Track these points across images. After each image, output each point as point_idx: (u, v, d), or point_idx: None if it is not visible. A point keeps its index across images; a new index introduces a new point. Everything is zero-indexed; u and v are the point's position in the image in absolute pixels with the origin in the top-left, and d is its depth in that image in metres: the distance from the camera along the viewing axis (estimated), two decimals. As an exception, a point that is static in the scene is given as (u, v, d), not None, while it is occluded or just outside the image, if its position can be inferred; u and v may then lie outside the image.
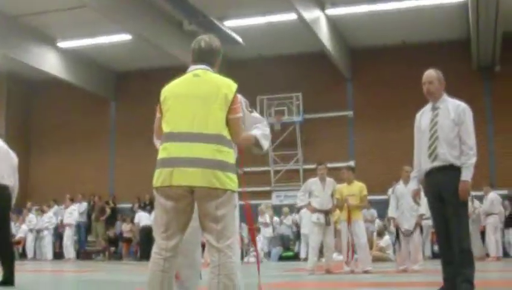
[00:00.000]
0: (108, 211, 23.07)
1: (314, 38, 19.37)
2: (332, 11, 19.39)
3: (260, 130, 4.50)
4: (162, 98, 4.20)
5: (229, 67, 23.81)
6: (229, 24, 20.15)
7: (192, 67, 4.30)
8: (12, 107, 26.59)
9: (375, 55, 22.46)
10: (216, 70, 4.33)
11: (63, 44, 22.30)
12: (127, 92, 25.10)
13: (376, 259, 16.24)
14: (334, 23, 20.32)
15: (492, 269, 12.30)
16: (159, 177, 4.01)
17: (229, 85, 4.15)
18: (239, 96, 4.31)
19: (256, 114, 4.74)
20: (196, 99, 4.07)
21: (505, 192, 18.98)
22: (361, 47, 22.55)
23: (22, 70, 24.41)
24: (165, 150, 4.05)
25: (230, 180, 4.00)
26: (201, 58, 4.31)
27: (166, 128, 4.11)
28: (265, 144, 4.55)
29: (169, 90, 4.22)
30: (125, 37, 21.28)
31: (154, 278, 4.03)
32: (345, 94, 23.09)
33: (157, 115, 4.31)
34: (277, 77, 23.05)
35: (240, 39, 20.85)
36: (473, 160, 5.99)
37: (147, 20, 19.32)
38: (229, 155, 4.04)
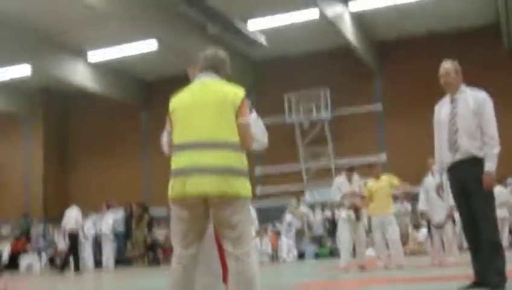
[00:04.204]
0: (146, 217, 23.26)
1: (338, 34, 19.29)
2: (355, 6, 19.32)
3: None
4: (170, 109, 4.26)
5: (255, 68, 23.95)
6: (253, 25, 20.19)
7: (199, 76, 4.34)
8: (49, 120, 27.41)
9: (402, 48, 22.29)
10: (224, 79, 4.35)
11: (93, 56, 22.75)
12: (156, 99, 25.26)
13: (412, 253, 16.11)
14: (358, 18, 20.21)
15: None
16: (173, 188, 4.06)
17: (235, 92, 4.17)
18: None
19: (253, 114, 4.74)
20: (205, 108, 4.10)
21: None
22: (388, 40, 22.41)
23: (56, 84, 25.07)
24: (176, 160, 4.09)
25: (243, 186, 4.03)
26: (208, 68, 4.34)
27: (176, 138, 4.15)
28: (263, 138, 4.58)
29: (178, 101, 4.27)
30: (152, 46, 21.58)
31: (175, 286, 4.09)
32: (372, 88, 22.96)
33: (167, 127, 4.36)
34: (303, 74, 23.00)
35: (263, 41, 20.88)
36: (496, 150, 5.89)
37: (172, 26, 19.58)
38: (241, 161, 4.06)
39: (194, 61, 4.51)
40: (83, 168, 27.22)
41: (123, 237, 23.28)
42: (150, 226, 23.32)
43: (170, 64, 23.12)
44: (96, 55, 22.75)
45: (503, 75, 20.22)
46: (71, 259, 20.87)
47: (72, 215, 18.22)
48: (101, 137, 26.87)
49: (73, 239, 18.28)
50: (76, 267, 18.09)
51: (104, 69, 23.75)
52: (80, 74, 22.89)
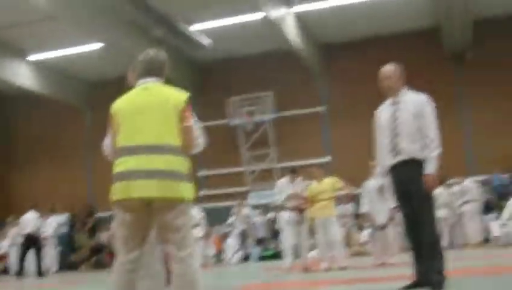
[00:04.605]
0: (90, 221, 22.96)
1: (282, 36, 19.38)
2: (299, 8, 19.37)
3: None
4: (112, 113, 4.24)
5: (199, 70, 23.85)
6: (196, 27, 20.15)
7: (141, 81, 4.32)
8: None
9: (347, 50, 22.47)
10: (164, 80, 4.35)
11: (34, 57, 22.27)
12: (101, 101, 24.74)
13: (356, 254, 16.29)
14: (302, 20, 20.24)
15: (471, 256, 12.35)
16: (117, 191, 4.05)
17: (178, 95, 4.18)
18: None
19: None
20: (147, 112, 4.10)
21: (482, 178, 19.11)
22: (332, 42, 22.52)
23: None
24: (120, 164, 4.08)
25: (186, 190, 4.05)
26: (149, 71, 4.33)
27: (119, 142, 4.14)
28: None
29: (119, 105, 4.26)
30: (95, 46, 21.27)
31: (118, 290, 4.06)
32: (317, 90, 23.07)
33: (109, 132, 4.32)
34: (247, 76, 23.01)
35: (207, 42, 20.83)
36: (436, 152, 6.00)
37: (116, 28, 19.32)
38: (183, 164, 4.09)
39: (134, 65, 4.47)
40: (27, 171, 26.49)
41: (67, 241, 22.91)
42: (94, 229, 23.04)
43: (114, 65, 22.80)
44: (39, 56, 22.26)
45: (444, 76, 20.71)
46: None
47: (30, 219, 17.96)
48: (45, 139, 26.21)
49: (33, 242, 18.38)
50: (39, 271, 18.12)
51: (47, 70, 23.23)
52: (21, 75, 22.29)
